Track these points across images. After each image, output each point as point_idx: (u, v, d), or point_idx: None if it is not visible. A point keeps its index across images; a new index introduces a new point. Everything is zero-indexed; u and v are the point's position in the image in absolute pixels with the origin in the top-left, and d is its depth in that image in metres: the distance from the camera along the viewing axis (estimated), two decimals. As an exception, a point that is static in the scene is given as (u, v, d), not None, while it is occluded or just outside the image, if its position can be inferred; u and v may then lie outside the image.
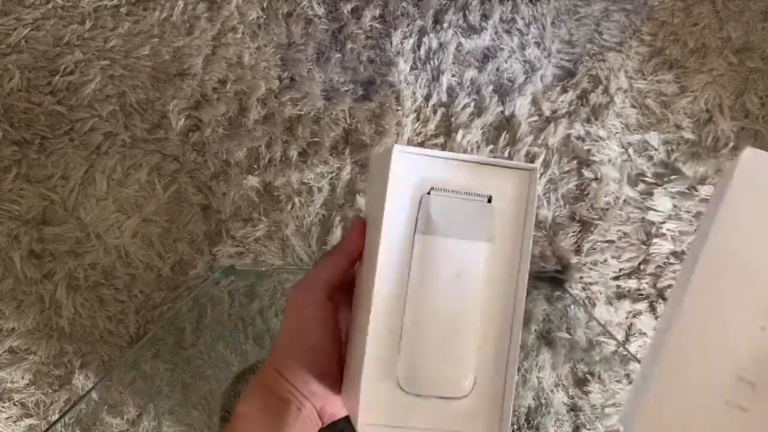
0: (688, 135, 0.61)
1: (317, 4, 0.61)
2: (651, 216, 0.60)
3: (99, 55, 0.60)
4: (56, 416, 0.61)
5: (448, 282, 0.37)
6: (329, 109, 0.60)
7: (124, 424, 0.59)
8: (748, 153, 0.26)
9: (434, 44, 0.61)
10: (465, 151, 0.60)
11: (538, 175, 0.38)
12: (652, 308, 0.61)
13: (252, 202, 0.60)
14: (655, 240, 0.60)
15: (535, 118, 0.61)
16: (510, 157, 0.60)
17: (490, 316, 0.38)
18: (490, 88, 0.61)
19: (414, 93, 0.61)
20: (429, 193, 0.37)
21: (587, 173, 0.60)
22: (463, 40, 0.61)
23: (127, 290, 0.60)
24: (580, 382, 0.60)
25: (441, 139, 0.61)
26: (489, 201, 0.38)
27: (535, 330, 0.60)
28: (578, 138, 0.61)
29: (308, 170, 0.60)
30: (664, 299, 0.61)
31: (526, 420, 0.59)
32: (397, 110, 0.60)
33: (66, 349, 0.60)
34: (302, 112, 0.60)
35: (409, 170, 0.38)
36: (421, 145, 0.61)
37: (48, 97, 0.60)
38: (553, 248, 0.61)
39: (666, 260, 0.61)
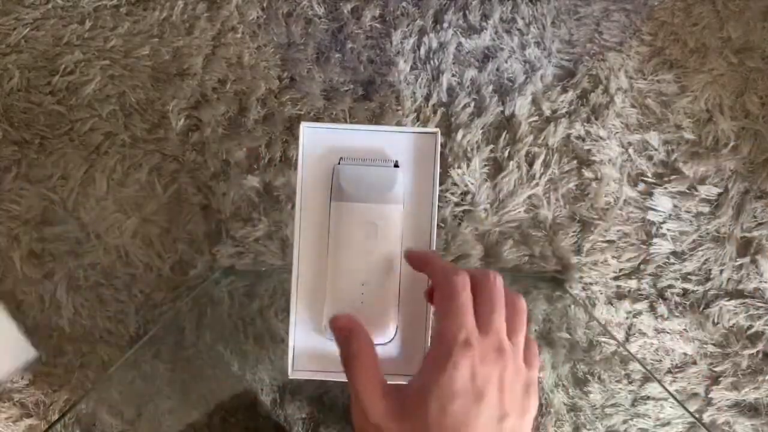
0: (688, 135, 0.61)
1: (317, 4, 0.61)
2: (651, 216, 0.60)
3: (99, 55, 0.60)
4: (56, 416, 0.61)
5: (362, 242, 0.42)
6: (329, 108, 0.60)
7: (124, 424, 0.59)
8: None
9: (434, 44, 0.61)
10: (465, 151, 0.60)
11: (440, 138, 0.43)
12: (652, 308, 0.61)
13: (252, 202, 0.60)
14: (655, 240, 0.60)
15: (535, 118, 0.61)
16: (510, 158, 0.60)
17: (406, 270, 0.41)
18: (490, 88, 0.61)
19: (414, 93, 0.61)
20: (339, 163, 0.42)
21: (587, 173, 0.60)
22: (463, 40, 0.61)
23: (127, 290, 0.60)
24: (580, 382, 0.60)
25: (441, 139, 0.61)
26: (396, 166, 0.43)
27: (535, 330, 0.60)
28: (578, 138, 0.61)
29: (308, 170, 0.60)
30: (664, 299, 0.61)
31: (526, 420, 0.59)
32: (397, 110, 0.60)
33: (66, 349, 0.60)
34: (302, 112, 0.60)
35: (318, 144, 0.42)
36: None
37: (48, 97, 0.60)
38: (553, 248, 0.61)
39: (666, 260, 0.61)
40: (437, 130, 0.44)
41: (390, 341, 0.42)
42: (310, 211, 0.44)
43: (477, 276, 0.36)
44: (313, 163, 0.43)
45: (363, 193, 0.42)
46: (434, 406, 0.32)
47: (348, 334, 0.36)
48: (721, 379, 0.61)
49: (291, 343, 0.43)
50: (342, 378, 0.43)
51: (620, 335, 0.61)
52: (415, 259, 0.39)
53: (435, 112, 0.61)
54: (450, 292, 0.35)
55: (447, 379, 0.32)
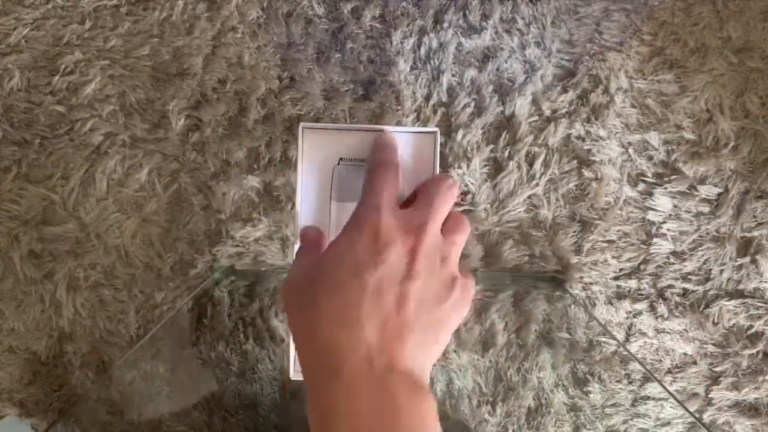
0: (689, 135, 0.61)
1: (317, 4, 0.61)
2: (651, 216, 0.60)
3: (99, 55, 0.60)
4: (56, 416, 0.61)
5: None
6: (329, 108, 0.60)
7: (124, 424, 0.59)
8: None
9: (434, 44, 0.61)
10: (465, 152, 0.60)
11: (439, 137, 0.44)
12: (652, 308, 0.61)
13: (252, 202, 0.60)
14: (655, 240, 0.60)
15: (535, 117, 0.61)
16: (510, 158, 0.60)
17: None
18: (490, 87, 0.61)
19: (414, 93, 0.61)
20: (338, 164, 0.43)
21: (587, 173, 0.60)
22: (463, 39, 0.61)
23: (127, 290, 0.60)
24: (580, 382, 0.60)
25: (441, 139, 0.61)
26: None
27: (535, 330, 0.60)
28: (578, 138, 0.61)
29: (308, 170, 0.60)
30: (664, 299, 0.61)
31: (526, 420, 0.59)
32: (397, 110, 0.60)
33: (66, 349, 0.60)
34: (302, 112, 0.60)
35: (318, 144, 0.43)
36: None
37: (48, 97, 0.60)
38: (553, 248, 0.61)
39: (666, 260, 0.61)
40: (437, 129, 0.44)
41: None
42: (310, 212, 0.44)
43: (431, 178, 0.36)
44: (313, 164, 0.44)
45: (356, 194, 0.41)
46: (330, 267, 0.31)
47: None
48: (721, 379, 0.61)
49: (292, 344, 0.43)
50: None
51: (620, 335, 0.61)
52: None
53: (435, 112, 0.61)
54: (374, 169, 0.35)
55: (344, 239, 0.31)
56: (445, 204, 0.35)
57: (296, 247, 0.42)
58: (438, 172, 0.44)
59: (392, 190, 0.35)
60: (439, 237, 0.33)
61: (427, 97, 0.61)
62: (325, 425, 0.28)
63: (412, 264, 0.30)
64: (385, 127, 0.44)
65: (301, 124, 0.43)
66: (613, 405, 0.60)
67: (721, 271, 0.60)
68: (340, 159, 0.43)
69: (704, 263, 0.61)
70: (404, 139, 0.44)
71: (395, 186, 0.36)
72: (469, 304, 0.33)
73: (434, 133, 0.44)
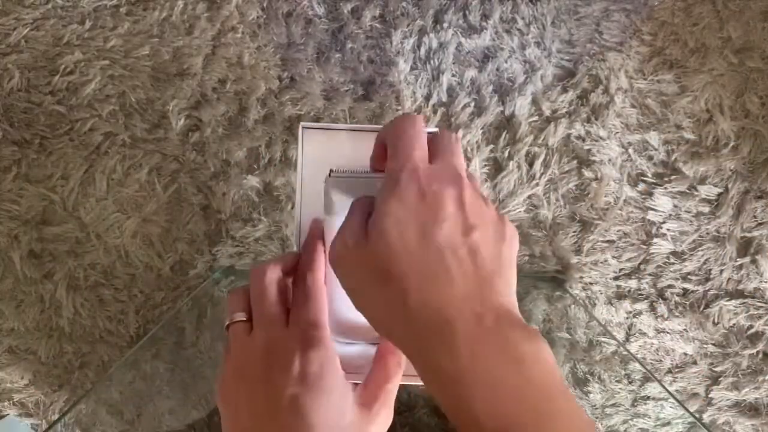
0: (688, 135, 0.61)
1: (317, 4, 0.61)
2: (651, 216, 0.60)
3: (99, 55, 0.60)
4: (56, 416, 0.61)
5: None
6: (329, 108, 0.60)
7: (124, 424, 0.59)
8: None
9: (434, 44, 0.61)
10: (465, 152, 0.60)
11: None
12: (652, 308, 0.61)
13: (252, 202, 0.60)
14: (655, 240, 0.60)
15: (535, 117, 0.61)
16: (510, 158, 0.60)
17: None
18: (490, 88, 0.61)
19: (414, 93, 0.61)
20: (330, 176, 0.38)
21: (587, 173, 0.60)
22: (463, 39, 0.61)
23: (127, 290, 0.60)
24: (580, 382, 0.60)
25: (441, 139, 0.61)
26: None
27: (535, 330, 0.60)
28: (578, 138, 0.61)
29: (308, 170, 0.60)
30: (665, 299, 0.61)
31: (526, 420, 0.59)
32: (397, 110, 0.60)
33: (66, 349, 0.60)
34: (302, 112, 0.60)
35: (318, 144, 0.42)
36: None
37: (48, 97, 0.60)
38: (553, 248, 0.61)
39: (666, 260, 0.61)
40: (437, 129, 0.44)
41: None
42: (310, 212, 0.44)
43: (436, 134, 0.34)
44: (313, 164, 0.43)
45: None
46: (394, 234, 0.29)
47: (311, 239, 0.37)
48: (721, 379, 0.61)
49: None
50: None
51: (620, 335, 0.61)
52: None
53: (435, 112, 0.61)
54: (397, 132, 0.33)
55: (395, 204, 0.30)
56: (461, 153, 0.34)
57: (297, 246, 0.42)
58: None
59: (422, 144, 0.33)
60: (470, 182, 0.33)
61: (427, 97, 0.61)
62: (458, 395, 0.27)
63: (465, 216, 0.30)
64: (378, 126, 0.44)
65: (302, 124, 0.43)
66: (613, 405, 0.60)
67: (721, 271, 0.60)
68: (331, 170, 0.39)
69: (704, 263, 0.61)
70: None
71: (423, 141, 0.33)
72: (517, 233, 0.33)
73: (435, 133, 0.44)
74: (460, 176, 0.31)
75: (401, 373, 0.36)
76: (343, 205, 0.38)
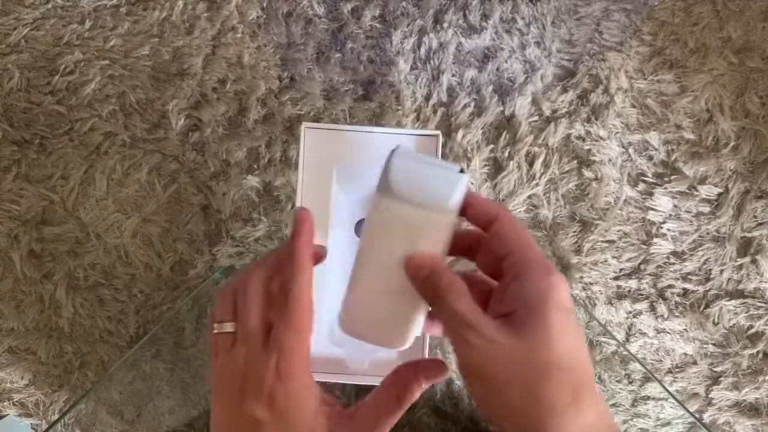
0: (689, 135, 0.61)
1: (317, 4, 0.61)
2: (651, 216, 0.60)
3: (99, 55, 0.60)
4: (56, 416, 0.61)
5: (402, 246, 0.36)
6: (329, 108, 0.60)
7: (124, 424, 0.59)
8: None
9: (434, 44, 0.61)
10: (465, 152, 0.60)
11: (441, 140, 0.43)
12: (652, 308, 0.61)
13: (252, 202, 0.60)
14: (655, 240, 0.60)
15: (535, 117, 0.61)
16: (510, 158, 0.60)
17: (406, 277, 0.39)
18: (490, 87, 0.61)
19: (414, 93, 0.61)
20: (394, 152, 0.35)
21: (587, 173, 0.60)
22: (463, 39, 0.61)
23: (127, 290, 0.60)
24: (580, 382, 0.60)
25: (441, 139, 0.61)
26: (461, 172, 0.36)
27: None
28: (578, 138, 0.61)
29: (308, 170, 0.60)
30: (665, 299, 0.61)
31: (526, 420, 0.59)
32: (397, 110, 0.60)
33: (66, 349, 0.60)
34: (302, 112, 0.60)
35: (319, 144, 0.42)
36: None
37: (48, 97, 0.60)
38: (553, 248, 0.61)
39: (666, 260, 0.61)
40: (438, 132, 0.43)
41: (405, 349, 0.39)
42: (313, 202, 0.43)
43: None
44: (314, 164, 0.43)
45: (417, 195, 0.35)
46: (557, 319, 0.30)
47: (429, 272, 0.33)
48: (721, 379, 0.61)
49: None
50: (342, 380, 0.44)
51: (620, 335, 0.61)
52: (481, 209, 0.35)
53: (435, 112, 0.61)
54: (517, 220, 0.34)
55: (559, 294, 0.31)
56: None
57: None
58: None
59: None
60: None
61: (427, 97, 0.61)
62: None
63: None
64: (385, 129, 0.44)
65: (303, 123, 0.43)
66: (613, 405, 0.60)
67: (721, 271, 0.60)
68: (398, 145, 0.36)
69: (704, 263, 0.61)
70: (406, 141, 0.44)
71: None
72: None
73: (436, 135, 0.44)
74: None
75: (396, 416, 0.35)
76: (403, 188, 0.35)
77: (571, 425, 0.29)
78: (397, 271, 0.36)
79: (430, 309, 0.36)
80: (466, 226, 0.38)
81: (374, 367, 0.44)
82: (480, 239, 0.37)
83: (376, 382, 0.42)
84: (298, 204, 0.43)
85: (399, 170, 0.35)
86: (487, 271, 0.37)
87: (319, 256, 0.37)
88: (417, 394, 0.35)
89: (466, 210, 0.35)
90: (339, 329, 0.38)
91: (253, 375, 0.32)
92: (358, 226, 0.46)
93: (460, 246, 0.36)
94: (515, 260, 0.33)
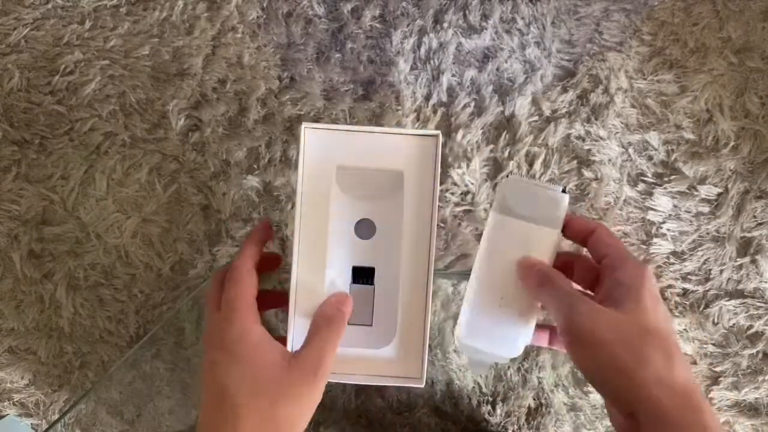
0: (688, 135, 0.61)
1: (317, 4, 0.61)
2: (651, 216, 0.60)
3: (99, 55, 0.60)
4: (56, 416, 0.61)
5: (514, 258, 0.43)
6: (329, 108, 0.60)
7: (124, 424, 0.59)
8: None
9: (434, 44, 0.61)
10: (465, 152, 0.60)
11: (441, 140, 0.44)
12: (652, 308, 0.61)
13: (252, 202, 0.60)
14: (655, 240, 0.60)
15: (535, 117, 0.61)
16: (510, 158, 0.60)
17: (407, 276, 0.44)
18: (490, 88, 0.61)
19: (414, 93, 0.61)
20: (508, 176, 0.45)
21: (587, 173, 0.60)
22: (463, 40, 0.61)
23: (127, 290, 0.60)
24: (580, 382, 0.60)
25: (441, 139, 0.61)
26: (564, 191, 0.43)
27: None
28: (578, 138, 0.61)
29: (308, 170, 0.60)
30: (664, 299, 0.61)
31: (526, 420, 0.59)
32: (397, 110, 0.60)
33: (66, 349, 0.60)
34: (302, 112, 0.60)
35: (319, 145, 0.43)
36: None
37: (48, 97, 0.60)
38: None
39: (666, 260, 0.61)
40: (438, 132, 0.43)
41: (516, 357, 0.44)
42: (310, 213, 0.43)
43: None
44: (314, 164, 0.43)
45: (527, 212, 0.42)
46: (649, 299, 0.37)
47: (539, 265, 0.41)
48: (721, 379, 0.61)
49: (290, 347, 0.43)
50: (343, 379, 0.44)
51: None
52: (579, 227, 0.43)
53: (435, 112, 0.61)
54: (609, 230, 0.42)
55: (650, 281, 0.38)
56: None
57: (296, 250, 0.43)
58: (439, 174, 0.44)
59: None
60: None
61: (427, 97, 0.61)
62: None
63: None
64: (386, 129, 0.44)
65: (303, 124, 0.43)
66: (613, 405, 0.60)
67: (721, 271, 0.60)
68: (511, 172, 0.48)
69: (704, 263, 0.61)
70: (406, 142, 0.44)
71: None
72: None
73: (436, 136, 0.44)
74: None
75: (335, 339, 0.41)
76: (516, 207, 0.43)
77: (666, 380, 0.34)
78: (511, 280, 0.42)
79: (540, 317, 0.44)
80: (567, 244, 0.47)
81: (376, 368, 0.44)
82: (576, 259, 0.45)
83: (379, 382, 0.45)
84: (297, 205, 0.43)
85: (512, 191, 0.43)
86: (584, 286, 0.44)
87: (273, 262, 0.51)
88: (346, 315, 0.42)
89: (566, 227, 0.42)
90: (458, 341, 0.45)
91: (211, 328, 0.41)
92: (359, 226, 0.46)
93: (559, 263, 0.43)
94: (613, 258, 0.39)
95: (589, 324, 0.36)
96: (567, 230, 0.43)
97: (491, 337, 0.43)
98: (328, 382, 0.40)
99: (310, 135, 0.43)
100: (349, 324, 0.44)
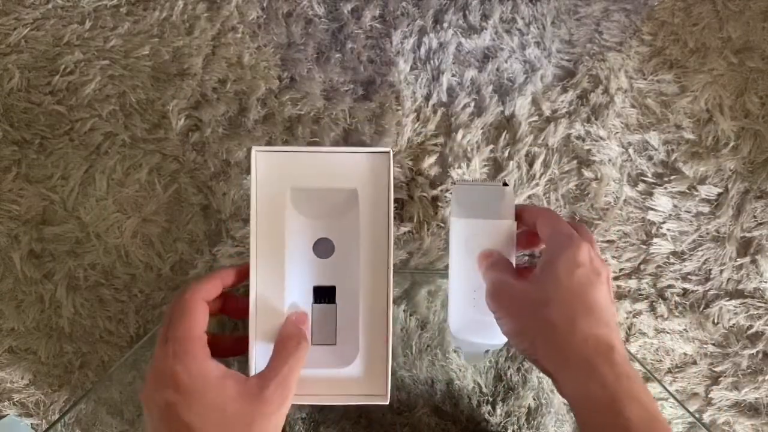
0: (688, 135, 0.61)
1: (317, 4, 0.61)
2: (651, 216, 0.60)
3: (99, 55, 0.60)
4: (56, 416, 0.61)
5: (478, 253, 0.47)
6: (329, 108, 0.60)
7: (124, 424, 0.59)
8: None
9: (434, 44, 0.61)
10: (465, 152, 0.60)
11: (392, 157, 0.44)
12: (652, 308, 0.61)
13: (252, 202, 0.60)
14: (655, 240, 0.60)
15: (535, 118, 0.61)
16: (510, 158, 0.60)
17: (368, 293, 0.44)
18: (490, 88, 0.61)
19: (414, 93, 0.61)
20: (454, 184, 0.48)
21: (587, 173, 0.60)
22: (463, 40, 0.61)
23: (127, 290, 0.60)
24: (580, 382, 0.60)
25: (441, 139, 0.61)
26: (505, 185, 0.47)
27: (535, 330, 0.60)
28: (578, 138, 0.61)
29: (308, 170, 0.60)
30: (664, 299, 0.61)
31: (526, 420, 0.59)
32: (397, 110, 0.60)
33: (66, 349, 0.60)
34: (302, 112, 0.60)
35: (271, 167, 0.43)
36: (421, 145, 0.61)
37: (48, 97, 0.60)
38: (553, 248, 0.61)
39: (666, 260, 0.61)
40: (389, 149, 0.43)
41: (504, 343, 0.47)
42: (266, 237, 0.43)
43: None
44: (267, 188, 0.43)
45: (480, 210, 0.46)
46: (562, 270, 0.40)
47: (489, 253, 0.46)
48: (721, 379, 0.61)
49: (252, 371, 0.43)
50: (308, 401, 0.45)
51: (620, 335, 0.61)
52: (529, 214, 0.46)
53: (435, 112, 0.61)
54: (555, 214, 0.45)
55: (572, 252, 0.40)
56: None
57: (253, 274, 0.43)
58: (392, 190, 0.44)
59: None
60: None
61: (427, 97, 0.61)
62: (617, 407, 0.36)
63: (607, 275, 0.44)
64: (337, 149, 0.44)
65: (254, 147, 0.43)
66: (613, 405, 0.60)
67: (721, 271, 0.60)
68: (457, 180, 0.52)
69: (704, 263, 0.61)
70: (357, 160, 0.43)
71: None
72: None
73: (387, 153, 0.44)
74: (604, 264, 0.42)
75: (299, 358, 0.41)
76: (467, 208, 0.46)
77: (569, 339, 0.38)
78: (479, 273, 0.45)
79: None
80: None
81: (340, 387, 0.44)
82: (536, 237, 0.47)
83: (343, 402, 0.45)
84: (253, 229, 0.43)
85: (462, 196, 0.47)
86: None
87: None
88: (306, 332, 0.43)
89: (518, 216, 0.46)
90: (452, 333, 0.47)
91: (158, 365, 0.38)
92: (317, 246, 0.46)
93: (523, 243, 0.48)
94: (549, 236, 0.43)
95: (499, 297, 0.42)
96: (519, 219, 0.46)
97: (477, 329, 0.46)
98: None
99: (261, 158, 0.43)
100: (313, 344, 0.44)
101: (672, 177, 0.60)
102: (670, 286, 0.61)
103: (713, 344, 0.61)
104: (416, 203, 0.60)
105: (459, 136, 0.60)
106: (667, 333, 0.61)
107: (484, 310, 0.44)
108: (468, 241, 0.46)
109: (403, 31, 0.61)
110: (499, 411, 0.58)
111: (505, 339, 0.45)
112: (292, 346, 0.41)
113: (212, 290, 0.42)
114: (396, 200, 0.60)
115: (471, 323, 0.46)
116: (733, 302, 0.60)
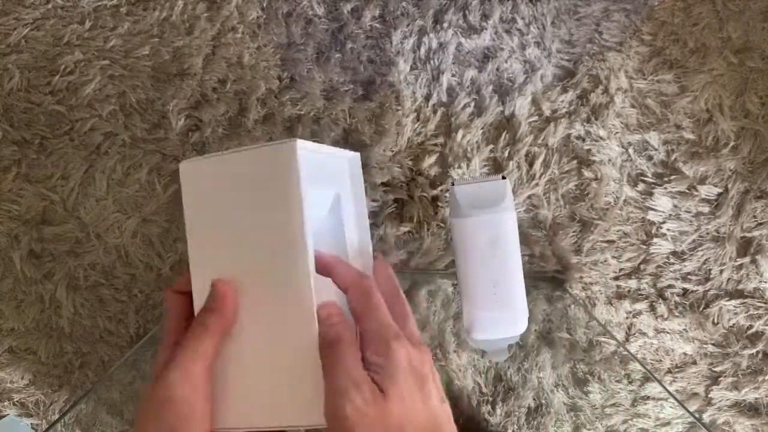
0: (688, 135, 0.61)
1: (317, 4, 0.61)
2: (651, 216, 0.60)
3: (99, 55, 0.60)
4: (56, 416, 0.61)
5: (486, 249, 0.47)
6: (329, 108, 0.60)
7: (124, 424, 0.59)
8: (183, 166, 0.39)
9: (434, 44, 0.61)
10: (465, 152, 0.60)
11: (297, 147, 0.36)
12: (652, 308, 0.61)
13: (252, 202, 0.60)
14: (655, 240, 0.60)
15: (535, 118, 0.61)
16: (510, 158, 0.60)
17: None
18: (490, 88, 0.61)
19: (414, 93, 0.61)
20: (453, 185, 0.47)
21: (587, 173, 0.60)
22: (463, 40, 0.61)
23: (127, 290, 0.60)
24: (580, 382, 0.60)
25: (441, 139, 0.61)
26: (503, 178, 0.47)
27: (535, 330, 0.60)
28: (578, 138, 0.61)
29: (308, 170, 0.60)
30: (665, 299, 0.61)
31: (526, 420, 0.59)
32: (397, 110, 0.60)
33: (66, 349, 0.60)
34: (302, 112, 0.60)
35: (200, 176, 0.39)
36: (421, 144, 0.61)
37: (48, 97, 0.60)
38: (553, 248, 0.61)
39: (666, 260, 0.61)
40: (295, 139, 0.37)
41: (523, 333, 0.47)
42: (202, 244, 0.40)
43: (382, 285, 0.40)
44: (199, 197, 0.40)
45: (481, 207, 0.46)
46: (405, 388, 0.34)
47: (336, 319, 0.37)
48: (721, 379, 0.61)
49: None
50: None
51: (620, 335, 0.61)
52: (321, 265, 0.38)
53: (435, 112, 0.61)
54: (368, 291, 0.38)
55: (393, 361, 0.35)
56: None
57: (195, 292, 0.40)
58: (300, 179, 0.36)
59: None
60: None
61: (427, 97, 0.61)
62: None
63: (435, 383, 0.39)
64: (245, 147, 0.38)
65: (181, 163, 0.39)
66: (613, 405, 0.60)
67: (721, 271, 0.60)
68: (454, 180, 0.49)
69: (704, 263, 0.61)
70: (261, 155, 0.38)
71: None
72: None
73: (291, 142, 0.37)
74: (421, 342, 0.38)
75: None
76: (468, 207, 0.46)
77: None
78: (495, 265, 0.46)
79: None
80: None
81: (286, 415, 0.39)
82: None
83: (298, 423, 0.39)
84: (189, 241, 0.40)
85: (462, 195, 0.47)
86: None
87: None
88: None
89: (331, 271, 0.38)
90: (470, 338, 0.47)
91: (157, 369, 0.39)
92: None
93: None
94: (366, 330, 0.36)
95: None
96: (333, 275, 0.39)
97: (497, 325, 0.46)
98: None
99: (186, 170, 0.40)
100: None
101: (672, 177, 0.60)
102: (670, 286, 0.61)
103: (713, 344, 0.61)
104: (416, 203, 0.60)
105: (459, 136, 0.60)
106: (667, 333, 0.61)
107: (505, 304, 0.45)
108: (473, 240, 0.46)
109: (403, 31, 0.61)
110: (499, 411, 0.58)
111: (525, 326, 0.46)
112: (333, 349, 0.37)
113: (185, 282, 0.42)
114: (396, 200, 0.60)
115: (492, 322, 0.46)
116: (733, 302, 0.60)
